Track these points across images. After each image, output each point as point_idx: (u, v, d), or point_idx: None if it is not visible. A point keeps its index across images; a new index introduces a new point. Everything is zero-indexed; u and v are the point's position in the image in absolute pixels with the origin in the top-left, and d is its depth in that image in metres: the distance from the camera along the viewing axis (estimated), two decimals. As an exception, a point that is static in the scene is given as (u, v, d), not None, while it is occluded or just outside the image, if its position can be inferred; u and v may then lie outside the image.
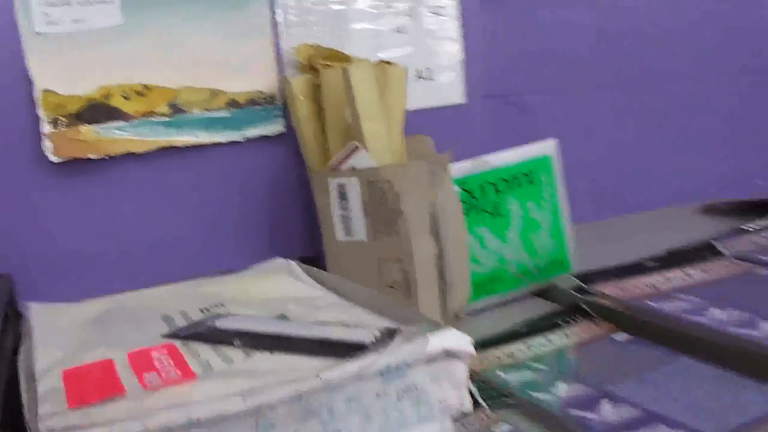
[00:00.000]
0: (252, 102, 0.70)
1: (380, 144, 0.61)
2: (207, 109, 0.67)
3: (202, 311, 0.48)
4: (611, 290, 0.70)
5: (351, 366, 0.34)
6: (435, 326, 0.38)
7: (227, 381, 0.36)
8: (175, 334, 0.44)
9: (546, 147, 0.77)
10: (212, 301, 0.50)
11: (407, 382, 0.36)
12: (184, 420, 0.32)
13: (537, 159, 0.77)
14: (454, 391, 0.38)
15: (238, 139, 0.70)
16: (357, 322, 0.43)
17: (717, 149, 1.04)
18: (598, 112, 0.96)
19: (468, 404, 0.38)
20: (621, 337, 0.64)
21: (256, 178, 0.72)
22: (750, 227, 0.83)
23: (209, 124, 0.68)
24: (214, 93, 0.68)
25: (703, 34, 1.02)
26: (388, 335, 0.39)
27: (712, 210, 0.95)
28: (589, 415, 0.52)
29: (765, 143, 1.08)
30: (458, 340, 0.37)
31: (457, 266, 0.67)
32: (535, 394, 0.56)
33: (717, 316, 0.62)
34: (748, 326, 0.59)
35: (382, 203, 0.60)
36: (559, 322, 0.68)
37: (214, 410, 0.32)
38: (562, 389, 0.56)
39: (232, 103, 0.69)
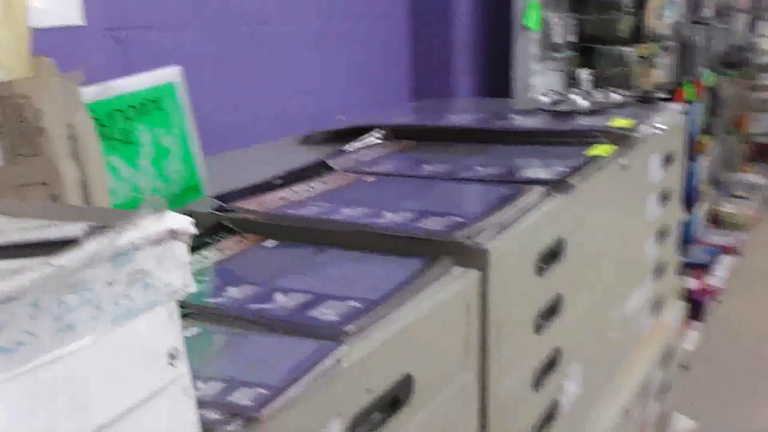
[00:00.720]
0: None
1: (9, 55, 0.54)
2: None
3: None
4: (250, 206, 0.74)
5: (85, 249, 0.32)
6: (156, 209, 0.37)
7: None
8: None
9: (170, 74, 0.77)
10: None
11: (136, 267, 0.35)
12: None
13: (163, 86, 0.76)
14: (178, 272, 0.38)
15: None
16: (48, 226, 0.39)
17: (309, 90, 1.16)
18: (219, 51, 0.98)
19: (192, 285, 0.39)
20: (270, 243, 0.69)
21: None
22: (348, 149, 0.95)
23: None
24: None
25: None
26: (98, 230, 0.36)
27: (309, 140, 1.06)
28: (266, 306, 0.56)
29: (341, 84, 1.23)
30: (180, 220, 0.38)
31: (99, 194, 0.64)
32: (210, 300, 0.58)
33: (348, 213, 0.70)
34: (375, 216, 0.69)
35: (20, 122, 0.54)
36: (208, 241, 0.70)
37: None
38: (233, 292, 0.59)
39: None
